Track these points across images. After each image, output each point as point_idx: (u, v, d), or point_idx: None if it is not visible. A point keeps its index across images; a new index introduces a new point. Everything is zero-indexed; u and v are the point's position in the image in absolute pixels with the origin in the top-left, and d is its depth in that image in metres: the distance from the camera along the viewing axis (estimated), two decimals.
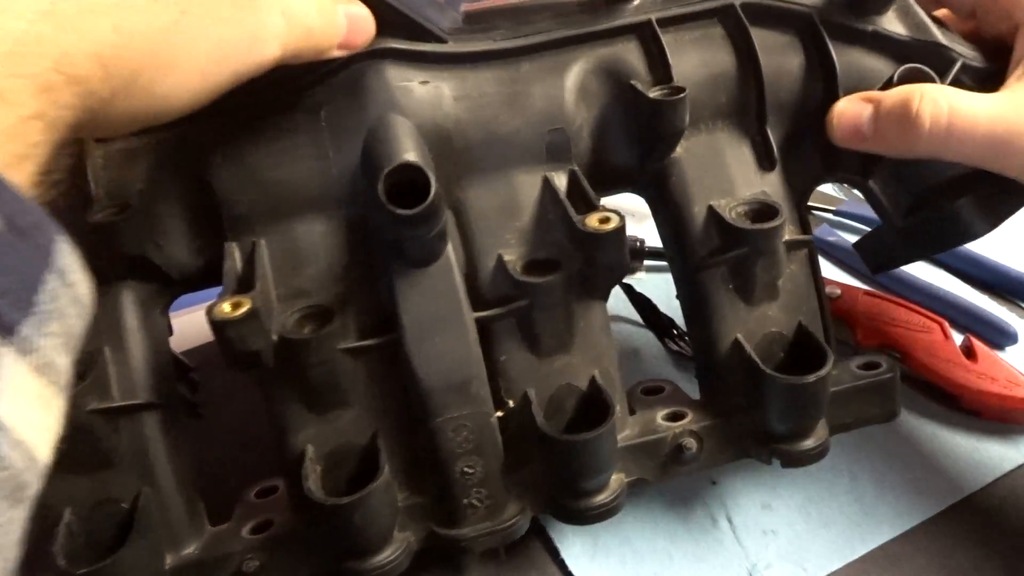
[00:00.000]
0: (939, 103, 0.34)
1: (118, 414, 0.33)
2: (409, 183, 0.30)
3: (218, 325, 0.30)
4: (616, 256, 0.33)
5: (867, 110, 0.36)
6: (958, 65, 0.37)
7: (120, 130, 0.27)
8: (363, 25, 0.34)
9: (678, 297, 0.40)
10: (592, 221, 0.33)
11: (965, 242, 0.37)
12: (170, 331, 0.40)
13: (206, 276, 0.36)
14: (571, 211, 0.34)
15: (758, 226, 0.35)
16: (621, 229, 0.33)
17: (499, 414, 0.35)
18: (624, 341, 0.53)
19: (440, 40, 0.36)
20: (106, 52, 0.24)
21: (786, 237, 0.37)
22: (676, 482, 0.43)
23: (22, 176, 0.22)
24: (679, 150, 0.38)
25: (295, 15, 0.30)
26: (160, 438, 0.35)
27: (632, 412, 0.39)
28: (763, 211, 0.37)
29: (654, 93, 0.35)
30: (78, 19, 0.23)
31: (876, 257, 0.42)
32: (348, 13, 0.33)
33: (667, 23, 0.38)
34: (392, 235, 0.32)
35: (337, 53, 0.33)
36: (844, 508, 0.42)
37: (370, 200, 0.31)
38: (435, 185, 0.30)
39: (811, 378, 0.34)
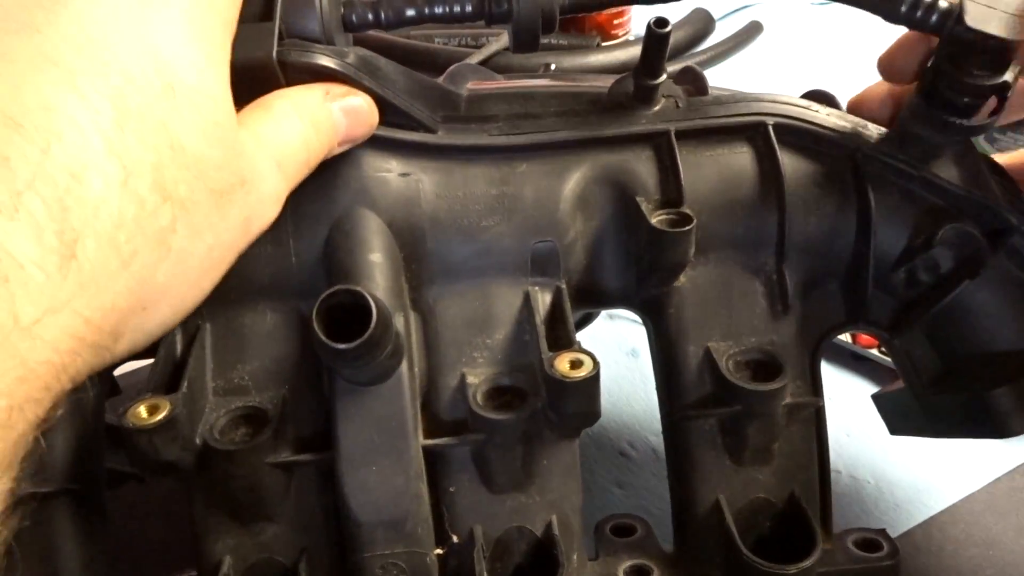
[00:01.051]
0: None
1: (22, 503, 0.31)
2: (355, 304, 0.27)
3: (128, 433, 0.27)
4: (583, 406, 0.29)
5: None
6: (1015, 233, 0.32)
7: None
8: (363, 117, 0.30)
9: (663, 435, 0.35)
10: (562, 364, 0.29)
11: (995, 437, 0.32)
12: (115, 391, 0.37)
13: None
14: (543, 345, 0.30)
15: (756, 386, 0.31)
16: (593, 379, 0.29)
17: (439, 551, 0.32)
18: (623, 341, 0.52)
19: (429, 130, 0.32)
20: (119, 312, 0.23)
21: (788, 400, 0.32)
22: None
23: None
24: (682, 278, 0.34)
25: (289, 159, 0.28)
26: (67, 527, 0.32)
27: (596, 555, 0.35)
28: (766, 365, 0.32)
29: (657, 219, 0.31)
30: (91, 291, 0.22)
31: (894, 419, 0.38)
32: (344, 108, 0.30)
33: (688, 135, 0.33)
34: (330, 365, 0.28)
35: (339, 150, 0.30)
36: (844, 509, 0.41)
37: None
38: (376, 316, 0.26)
39: (792, 569, 0.30)
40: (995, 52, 0.29)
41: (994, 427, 0.31)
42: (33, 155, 0.21)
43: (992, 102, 0.30)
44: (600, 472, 0.43)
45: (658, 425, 0.36)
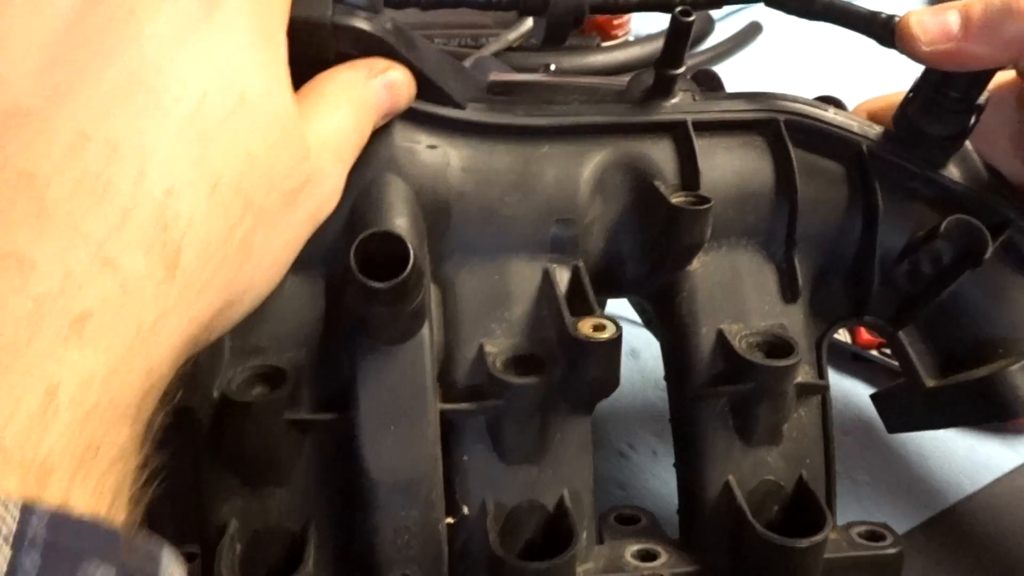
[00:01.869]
0: None
1: None
2: (388, 253, 0.27)
3: None
4: (605, 370, 0.30)
5: (952, 12, 0.32)
6: (1011, 226, 0.33)
7: None
8: (403, 89, 0.31)
9: (671, 421, 0.36)
10: (585, 327, 0.30)
11: (1001, 419, 0.33)
12: None
13: None
14: (565, 311, 0.31)
15: (769, 362, 0.32)
16: (615, 341, 0.29)
17: (450, 520, 0.32)
18: (624, 341, 0.50)
19: (458, 106, 0.33)
20: (213, 310, 0.25)
21: (799, 379, 0.33)
22: None
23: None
24: (695, 263, 0.35)
25: (346, 148, 0.29)
26: None
27: (601, 540, 0.35)
28: (777, 345, 0.33)
29: (676, 199, 0.32)
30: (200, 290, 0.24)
31: (894, 416, 0.38)
32: (386, 83, 0.30)
33: (704, 127, 0.35)
34: (360, 308, 0.28)
35: (381, 123, 0.31)
36: (843, 510, 0.39)
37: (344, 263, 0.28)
38: (413, 260, 0.26)
39: (804, 543, 0.30)
40: (974, 77, 0.32)
41: (998, 410, 0.32)
42: (131, 175, 0.22)
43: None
44: (600, 472, 0.42)
45: (658, 426, 0.36)
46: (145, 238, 0.22)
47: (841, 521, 0.36)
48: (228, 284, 0.25)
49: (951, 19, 0.32)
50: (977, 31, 0.31)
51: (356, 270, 0.26)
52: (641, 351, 0.49)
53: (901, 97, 0.35)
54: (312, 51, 0.30)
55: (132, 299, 0.21)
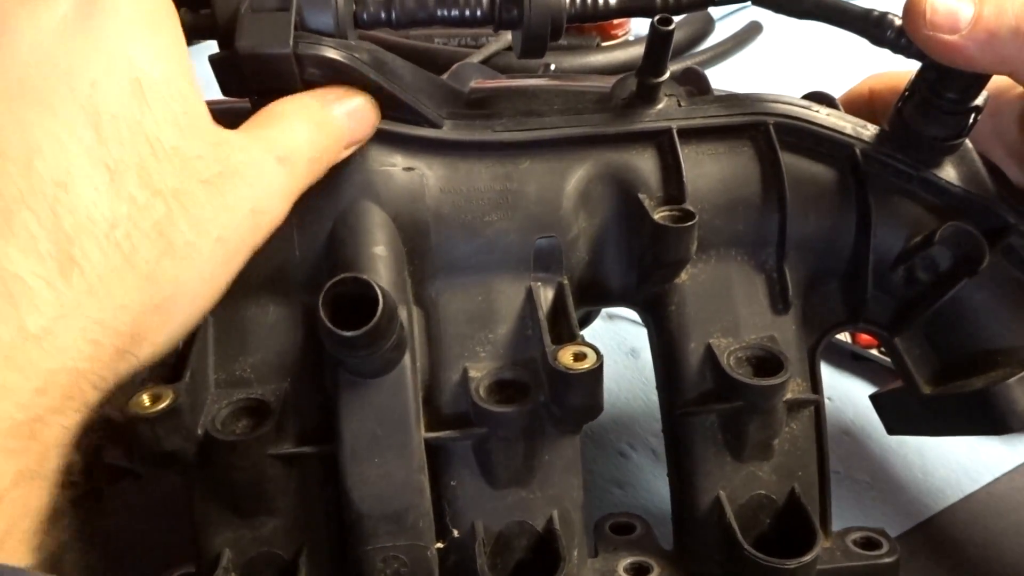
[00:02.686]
0: None
1: None
2: (360, 294, 0.27)
3: (130, 421, 0.27)
4: (587, 399, 0.30)
5: (967, 4, 0.30)
6: (1011, 231, 0.32)
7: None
8: (365, 116, 0.31)
9: (663, 432, 0.36)
10: (566, 357, 0.29)
11: (996, 433, 0.32)
12: None
13: None
14: (546, 338, 0.30)
15: (756, 381, 0.31)
16: (595, 371, 0.29)
17: (439, 545, 0.32)
18: (624, 341, 0.52)
19: (434, 125, 0.33)
20: (132, 311, 0.24)
21: (789, 395, 0.32)
22: None
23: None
24: (683, 275, 0.34)
25: (292, 155, 0.28)
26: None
27: (595, 552, 0.35)
28: (767, 360, 0.32)
29: (660, 214, 0.32)
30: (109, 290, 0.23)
31: (893, 418, 0.38)
32: (347, 111, 0.30)
33: (690, 134, 0.34)
34: (335, 352, 0.28)
35: (344, 154, 0.30)
36: (843, 510, 0.40)
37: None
38: (383, 305, 0.26)
39: (792, 564, 0.30)
40: (969, 79, 0.31)
41: (994, 424, 0.31)
42: (16, 173, 0.22)
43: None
44: (600, 472, 0.43)
45: (658, 426, 0.36)
46: (32, 235, 0.21)
47: (840, 523, 0.35)
48: (148, 280, 0.24)
49: (963, 11, 0.30)
50: (982, 35, 0.29)
51: (326, 320, 0.26)
52: (641, 351, 0.49)
53: (907, 77, 0.33)
54: (278, 83, 0.29)
55: (15, 302, 0.21)
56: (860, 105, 0.37)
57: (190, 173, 0.25)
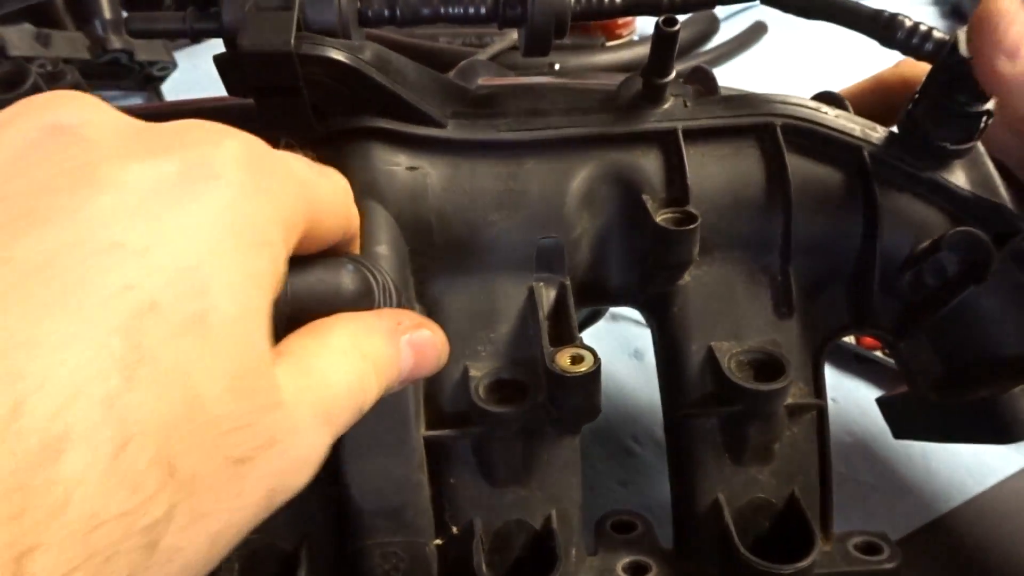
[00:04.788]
0: None
1: None
2: None
3: None
4: (584, 401, 0.30)
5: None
6: (1021, 236, 0.32)
7: None
8: (433, 353, 0.26)
9: (664, 433, 0.36)
10: (563, 359, 0.29)
11: (1003, 442, 0.32)
12: None
13: None
14: (545, 340, 0.30)
15: (757, 386, 0.31)
16: (592, 374, 0.29)
17: (438, 541, 0.32)
18: (627, 342, 0.51)
19: (438, 125, 0.33)
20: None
21: (790, 400, 0.32)
22: None
23: None
24: (686, 277, 0.34)
25: (340, 409, 0.22)
26: None
27: (595, 551, 0.35)
28: (769, 364, 0.32)
29: (662, 217, 0.32)
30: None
31: (899, 423, 0.37)
32: (413, 343, 0.25)
33: (695, 135, 0.34)
34: None
35: (398, 388, 0.25)
36: (846, 512, 0.39)
37: None
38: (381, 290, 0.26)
39: (788, 570, 0.30)
40: None
41: (1001, 433, 0.31)
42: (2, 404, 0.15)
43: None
44: (604, 469, 0.43)
45: (661, 424, 0.36)
46: None
47: (843, 525, 0.35)
48: None
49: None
50: None
51: None
52: (645, 352, 0.49)
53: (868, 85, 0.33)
54: (277, 81, 0.29)
55: None
56: (875, 96, 0.37)
57: (221, 451, 0.18)
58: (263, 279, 0.20)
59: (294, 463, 0.20)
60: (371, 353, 0.23)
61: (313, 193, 0.23)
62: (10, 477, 0.14)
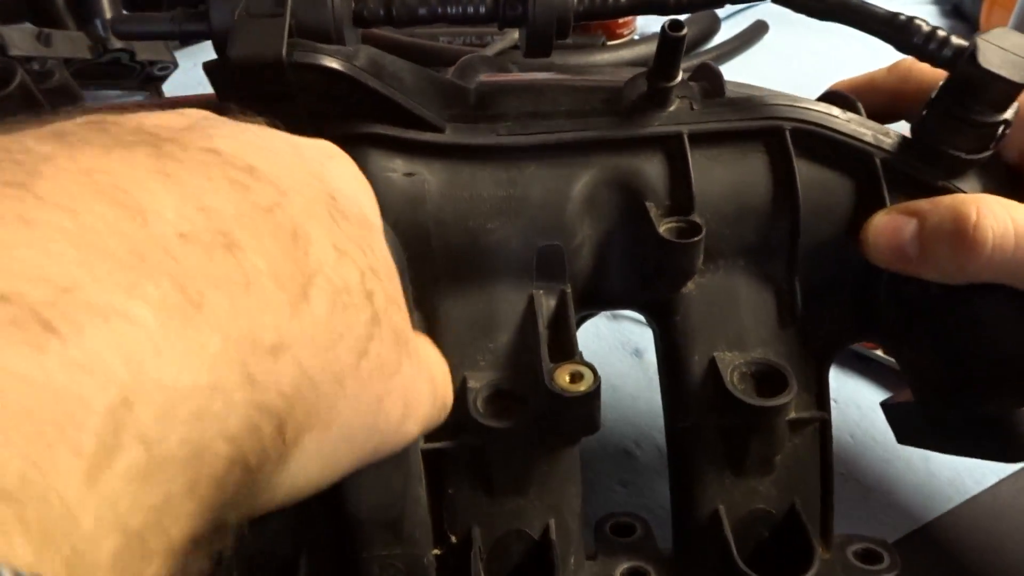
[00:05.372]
0: (1000, 217, 0.29)
1: None
2: None
3: None
4: (582, 418, 0.29)
5: (910, 225, 0.30)
6: None
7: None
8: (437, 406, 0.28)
9: (665, 440, 0.35)
10: (562, 377, 0.29)
11: (1007, 461, 0.31)
12: None
13: None
14: (544, 354, 0.30)
15: (760, 402, 0.31)
16: (592, 394, 0.28)
17: (437, 551, 0.32)
18: (628, 341, 0.52)
19: (436, 129, 0.32)
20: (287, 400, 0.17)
21: (793, 414, 0.32)
22: None
23: None
24: (690, 285, 0.33)
25: (439, 390, 0.25)
26: None
27: (594, 555, 0.35)
28: (772, 377, 0.32)
29: (666, 227, 0.31)
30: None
31: (903, 429, 0.37)
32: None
33: (701, 139, 0.33)
34: None
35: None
36: (848, 512, 0.40)
37: None
38: None
39: None
40: (1001, 92, 0.29)
41: (1005, 452, 0.30)
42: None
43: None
44: (604, 470, 0.43)
45: (662, 424, 0.35)
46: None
47: (842, 525, 0.35)
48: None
49: (907, 235, 0.30)
50: (928, 259, 0.30)
51: None
52: (645, 351, 0.48)
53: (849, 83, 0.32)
54: (268, 89, 0.29)
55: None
56: (864, 97, 0.36)
57: (386, 327, 0.21)
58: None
59: (415, 401, 0.23)
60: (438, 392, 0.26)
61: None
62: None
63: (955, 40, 0.30)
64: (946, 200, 0.30)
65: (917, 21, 0.30)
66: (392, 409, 0.21)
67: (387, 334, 0.21)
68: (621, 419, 0.45)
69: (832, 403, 0.34)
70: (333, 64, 0.29)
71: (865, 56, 0.37)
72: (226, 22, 0.29)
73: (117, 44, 0.61)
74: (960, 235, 0.29)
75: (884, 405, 0.38)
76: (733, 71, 0.76)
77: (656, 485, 0.42)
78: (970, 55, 0.29)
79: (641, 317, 0.47)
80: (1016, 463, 0.32)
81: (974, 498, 0.42)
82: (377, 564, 0.31)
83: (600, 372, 0.29)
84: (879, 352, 0.47)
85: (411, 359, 0.22)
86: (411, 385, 0.22)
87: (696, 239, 0.30)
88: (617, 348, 0.49)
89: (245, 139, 0.20)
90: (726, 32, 0.82)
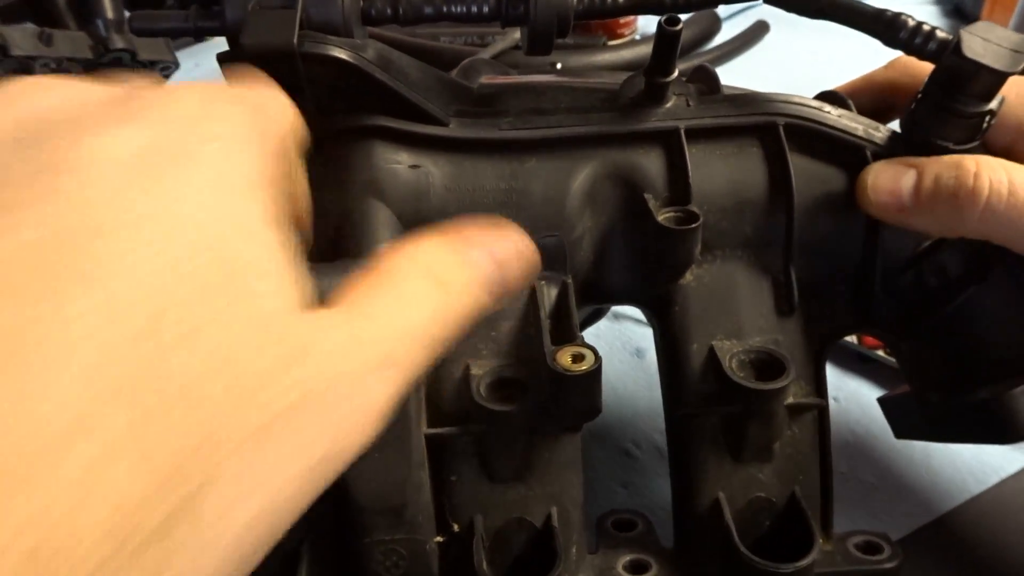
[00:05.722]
0: (998, 172, 0.30)
1: None
2: None
3: None
4: (584, 400, 0.30)
5: (909, 176, 0.31)
6: None
7: None
8: (517, 266, 0.23)
9: (665, 432, 0.36)
10: (564, 358, 0.29)
11: (1004, 443, 0.32)
12: None
13: None
14: (546, 338, 0.30)
15: (758, 385, 0.31)
16: (593, 373, 0.29)
17: (439, 539, 0.32)
18: (629, 341, 0.52)
19: (441, 123, 0.33)
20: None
21: (791, 400, 0.32)
22: None
23: None
24: (688, 276, 0.34)
25: (405, 351, 0.19)
26: None
27: (596, 549, 0.35)
28: (770, 364, 0.32)
29: (664, 216, 0.32)
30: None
31: (900, 423, 0.37)
32: (496, 256, 0.22)
33: (698, 134, 0.34)
34: None
35: (493, 308, 0.23)
36: (848, 511, 0.41)
37: None
38: None
39: (787, 568, 0.30)
40: (986, 83, 0.30)
41: (1002, 433, 0.31)
42: None
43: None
44: (604, 471, 0.43)
45: (663, 425, 0.36)
46: None
47: (844, 524, 0.35)
48: None
49: (904, 184, 0.31)
50: (925, 207, 0.31)
51: None
52: (646, 351, 0.49)
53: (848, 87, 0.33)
54: (279, 79, 0.29)
55: None
56: (865, 96, 0.37)
57: (249, 411, 0.16)
58: (270, 216, 0.18)
59: (349, 421, 0.18)
60: (445, 276, 0.21)
61: (266, 110, 0.22)
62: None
63: (940, 34, 0.31)
64: (946, 156, 0.31)
65: (903, 17, 0.31)
66: (290, 486, 0.18)
67: (236, 458, 0.16)
68: (621, 419, 0.46)
69: (833, 402, 0.35)
70: (343, 55, 0.30)
71: (865, 56, 0.38)
72: (240, 17, 0.30)
73: (118, 44, 0.62)
74: (960, 185, 0.30)
75: (881, 400, 0.39)
76: (734, 71, 0.78)
77: (656, 485, 0.43)
78: (955, 46, 0.30)
79: (642, 317, 0.48)
80: (1014, 443, 0.32)
81: (976, 497, 0.42)
82: (380, 550, 0.31)
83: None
84: (881, 352, 0.47)
85: (322, 404, 0.17)
86: (329, 421, 0.18)
87: (694, 226, 0.31)
88: (617, 348, 0.50)
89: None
90: (727, 32, 0.83)
